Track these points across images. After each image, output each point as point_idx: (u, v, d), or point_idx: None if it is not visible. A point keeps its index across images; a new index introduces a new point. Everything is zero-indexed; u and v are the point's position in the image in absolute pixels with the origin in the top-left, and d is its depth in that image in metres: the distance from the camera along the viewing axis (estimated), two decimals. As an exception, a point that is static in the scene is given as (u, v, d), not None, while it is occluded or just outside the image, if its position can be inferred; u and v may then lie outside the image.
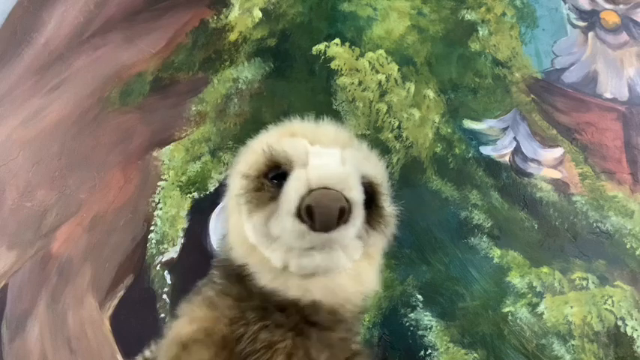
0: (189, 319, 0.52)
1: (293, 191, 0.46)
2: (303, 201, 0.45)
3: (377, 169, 0.54)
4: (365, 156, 0.54)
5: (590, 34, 1.18)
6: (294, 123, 0.57)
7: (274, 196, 0.49)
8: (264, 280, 0.49)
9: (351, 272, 0.50)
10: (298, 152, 0.50)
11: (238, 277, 0.51)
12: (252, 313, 0.49)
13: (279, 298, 0.48)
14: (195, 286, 0.57)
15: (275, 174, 0.50)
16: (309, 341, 0.49)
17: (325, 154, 0.50)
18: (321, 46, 1.17)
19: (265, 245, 0.49)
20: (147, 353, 0.65)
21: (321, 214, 0.44)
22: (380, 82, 1.12)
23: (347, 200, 0.45)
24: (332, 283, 0.49)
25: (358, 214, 0.47)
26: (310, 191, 0.45)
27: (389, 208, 0.53)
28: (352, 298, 0.52)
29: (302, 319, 0.49)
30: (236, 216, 0.53)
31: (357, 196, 0.47)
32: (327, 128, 0.55)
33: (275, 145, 0.52)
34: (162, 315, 0.92)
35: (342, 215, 0.45)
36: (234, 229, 0.53)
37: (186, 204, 1.02)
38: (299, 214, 0.45)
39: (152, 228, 1.00)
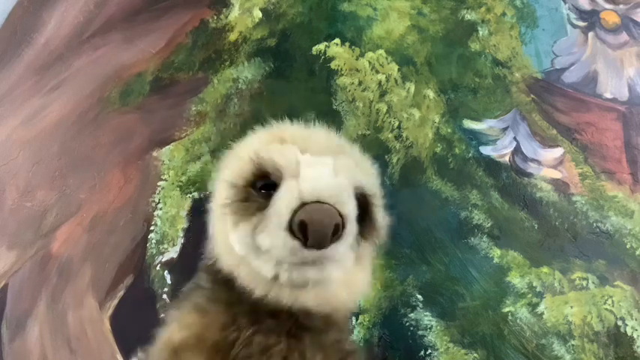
0: (179, 326, 0.50)
1: (284, 204, 0.44)
2: (295, 215, 0.43)
3: (370, 178, 0.52)
4: (357, 164, 0.51)
5: (590, 34, 1.18)
6: (283, 127, 0.54)
7: (262, 207, 0.46)
8: (255, 289, 0.48)
9: (342, 280, 0.48)
10: (288, 161, 0.47)
11: (227, 282, 0.49)
12: (244, 318, 0.48)
13: (271, 306, 0.47)
14: (182, 291, 0.55)
15: (263, 183, 0.48)
16: (303, 344, 0.48)
17: (317, 164, 0.47)
18: (321, 46, 1.17)
19: (253, 257, 0.47)
20: None
21: (315, 232, 0.42)
22: (380, 82, 1.12)
23: (340, 216, 0.43)
24: (324, 292, 0.48)
25: (351, 229, 0.45)
26: (303, 204, 0.43)
27: (382, 219, 0.51)
28: (345, 304, 0.51)
29: (295, 324, 0.48)
30: (221, 225, 0.51)
31: (351, 211, 0.45)
32: (318, 134, 0.52)
33: (263, 153, 0.49)
34: (163, 315, 0.92)
35: (336, 232, 0.43)
36: (220, 238, 0.51)
37: (186, 204, 1.02)
38: (290, 229, 0.43)
39: (152, 228, 1.00)
